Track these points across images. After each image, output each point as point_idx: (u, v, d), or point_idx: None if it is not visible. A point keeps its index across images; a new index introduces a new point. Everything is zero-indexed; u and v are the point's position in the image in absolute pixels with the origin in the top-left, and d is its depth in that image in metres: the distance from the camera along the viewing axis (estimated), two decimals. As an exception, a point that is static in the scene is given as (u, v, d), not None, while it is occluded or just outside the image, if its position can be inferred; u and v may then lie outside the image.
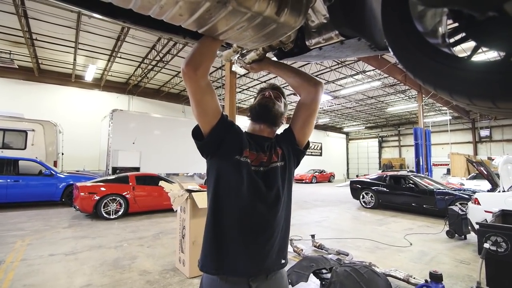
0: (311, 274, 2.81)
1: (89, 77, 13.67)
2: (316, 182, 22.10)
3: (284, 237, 1.13)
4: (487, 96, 0.62)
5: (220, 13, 0.73)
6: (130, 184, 7.28)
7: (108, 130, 11.05)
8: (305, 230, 5.84)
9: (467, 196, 6.57)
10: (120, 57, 12.36)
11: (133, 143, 11.66)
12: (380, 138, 29.04)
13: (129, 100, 16.68)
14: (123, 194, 7.00)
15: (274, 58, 1.23)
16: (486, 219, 2.96)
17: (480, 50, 0.80)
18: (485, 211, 4.06)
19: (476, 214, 4.27)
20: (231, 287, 1.03)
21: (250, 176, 1.04)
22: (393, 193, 8.50)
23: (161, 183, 4.13)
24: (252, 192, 1.03)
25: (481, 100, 0.66)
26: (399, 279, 3.09)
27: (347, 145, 31.94)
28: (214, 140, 1.06)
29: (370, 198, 9.00)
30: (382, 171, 15.44)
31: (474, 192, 6.15)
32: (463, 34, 0.78)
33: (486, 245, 2.34)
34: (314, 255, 3.20)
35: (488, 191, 5.03)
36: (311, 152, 27.55)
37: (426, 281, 2.35)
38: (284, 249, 1.13)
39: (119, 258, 4.05)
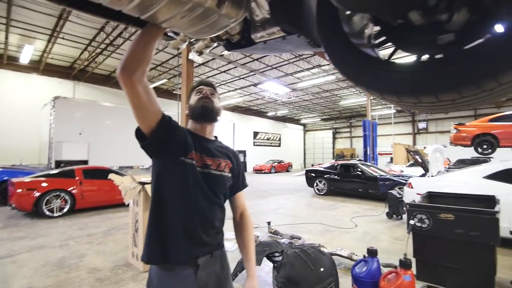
0: (265, 258, 2.96)
1: (25, 59, 12.11)
2: (275, 172, 22.76)
3: (221, 226, 1.22)
4: (409, 92, 0.73)
5: (159, 3, 0.73)
6: (77, 178, 6.74)
7: (50, 119, 9.98)
8: (262, 218, 6.03)
9: (404, 181, 7.39)
10: (63, 38, 11.14)
11: (80, 134, 10.73)
12: (334, 130, 30.81)
13: (75, 86, 15.18)
14: (69, 189, 6.46)
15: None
16: (414, 200, 3.39)
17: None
18: (417, 194, 4.62)
19: (410, 196, 4.84)
20: (180, 272, 1.08)
21: (194, 176, 1.10)
22: (343, 180, 9.18)
23: (111, 176, 3.92)
24: (195, 190, 1.10)
25: (406, 97, 0.75)
26: (344, 256, 3.42)
27: (304, 136, 33.30)
28: (157, 141, 1.07)
29: (323, 186, 9.60)
30: (335, 160, 16.49)
31: (409, 177, 6.94)
32: (384, 38, 0.90)
33: (412, 222, 2.70)
34: (268, 240, 3.36)
35: (420, 176, 5.72)
36: (270, 143, 28.20)
37: (364, 256, 2.63)
38: (221, 235, 1.22)
39: (64, 257, 3.78)
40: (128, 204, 3.56)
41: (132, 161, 11.66)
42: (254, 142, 26.29)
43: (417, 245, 2.79)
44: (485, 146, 9.19)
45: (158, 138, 1.07)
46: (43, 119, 11.25)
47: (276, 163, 23.74)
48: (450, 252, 2.61)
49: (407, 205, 2.81)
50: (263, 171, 22.24)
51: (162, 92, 17.41)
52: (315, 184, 9.84)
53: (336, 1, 0.63)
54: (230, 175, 1.23)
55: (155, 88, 16.65)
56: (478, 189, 4.01)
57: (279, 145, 29.22)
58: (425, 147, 7.07)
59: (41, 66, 13.54)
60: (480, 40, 0.60)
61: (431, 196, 3.61)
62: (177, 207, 1.09)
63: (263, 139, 27.33)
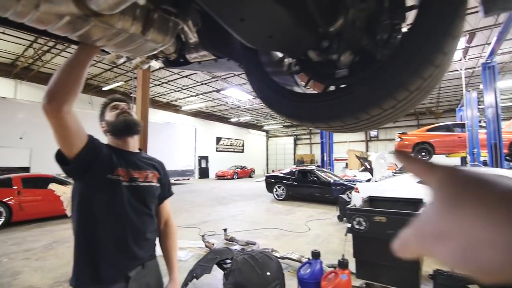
0: (215, 265, 3.00)
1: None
2: (237, 178, 22.76)
3: (153, 237, 1.26)
4: (308, 120, 0.85)
5: (84, 26, 0.77)
6: (15, 187, 6.11)
7: (-17, 121, 8.93)
8: (220, 225, 6.02)
9: (354, 186, 7.95)
10: (4, 33, 10.09)
11: (21, 138, 9.75)
12: (295, 136, 31.87)
13: (16, 85, 13.74)
14: (4, 200, 5.81)
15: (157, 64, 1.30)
16: (355, 204, 3.70)
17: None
18: (362, 198, 5.03)
19: (357, 200, 5.24)
20: None
21: (122, 192, 1.12)
22: (300, 186, 9.56)
23: (51, 186, 3.64)
24: (124, 206, 1.12)
25: (332, 122, 0.86)
26: (294, 260, 3.59)
27: (267, 142, 33.92)
28: (81, 165, 1.05)
29: (282, 191, 9.88)
30: (296, 166, 17.07)
31: (360, 182, 7.49)
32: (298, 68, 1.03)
33: (348, 225, 2.96)
34: (220, 248, 3.40)
35: (366, 181, 6.22)
36: (233, 149, 28.22)
37: (308, 259, 2.80)
38: (153, 246, 1.26)
39: (-5, 276, 3.40)
40: (70, 216, 3.34)
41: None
42: (217, 148, 26.09)
43: (356, 246, 3.05)
44: (423, 153, 10.29)
45: (83, 161, 1.04)
46: (-25, 121, 10.00)
47: (239, 169, 23.76)
48: (384, 251, 2.90)
49: (348, 210, 3.07)
50: (225, 177, 22.10)
51: (119, 95, 16.50)
52: (274, 190, 10.09)
53: (244, 40, 0.73)
54: (158, 184, 1.27)
55: (110, 90, 15.78)
56: (413, 192, 4.51)
57: (242, 151, 29.37)
58: (369, 155, 7.71)
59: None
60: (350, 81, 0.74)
61: (371, 200, 3.97)
62: (107, 226, 1.09)
63: (226, 144, 27.26)
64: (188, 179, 18.15)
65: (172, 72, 14.11)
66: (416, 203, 3.50)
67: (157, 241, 1.31)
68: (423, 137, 10.42)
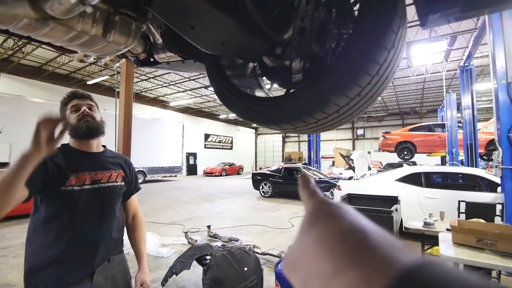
0: (195, 261, 3.03)
1: None
2: (226, 175, 22.74)
3: (119, 235, 1.29)
4: (263, 122, 0.90)
5: (44, 27, 0.79)
6: (-8, 183, 5.92)
7: (-41, 114, 8.59)
8: (205, 222, 6.04)
9: (337, 184, 8.13)
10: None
11: (0, 132, 9.43)
12: (283, 134, 32.05)
13: (-5, 77, 13.24)
14: (-20, 196, 5.63)
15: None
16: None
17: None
18: (341, 195, 5.16)
19: (339, 197, 5.38)
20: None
21: (80, 198, 1.12)
22: (286, 183, 9.68)
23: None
24: (86, 212, 1.14)
25: (282, 124, 0.91)
26: (274, 255, 3.66)
27: (256, 139, 33.99)
28: (37, 191, 1.06)
29: (268, 188, 9.98)
30: (284, 163, 17.23)
31: (343, 180, 7.66)
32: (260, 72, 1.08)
33: None
34: (200, 244, 3.43)
35: (348, 179, 6.38)
36: (222, 146, 28.15)
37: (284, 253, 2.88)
38: (120, 242, 1.29)
39: (-32, 274, 3.33)
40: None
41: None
42: (205, 145, 25.96)
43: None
44: (405, 152, 10.60)
45: (37, 189, 1.04)
46: (-50, 114, 9.61)
47: (227, 166, 23.74)
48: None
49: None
50: (213, 174, 22.04)
51: (104, 89, 16.18)
52: (260, 187, 10.18)
53: (197, 45, 0.77)
54: (123, 183, 1.29)
55: (95, 84, 15.42)
56: (391, 190, 4.67)
57: (231, 148, 29.34)
58: (351, 153, 7.90)
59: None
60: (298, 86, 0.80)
61: (350, 197, 4.09)
62: (69, 234, 1.10)
63: (214, 141, 27.16)
64: (176, 176, 18.02)
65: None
66: (392, 200, 3.65)
67: (164, 238, 1.34)
68: (405, 136, 10.73)
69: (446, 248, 2.34)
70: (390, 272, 0.14)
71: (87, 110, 1.18)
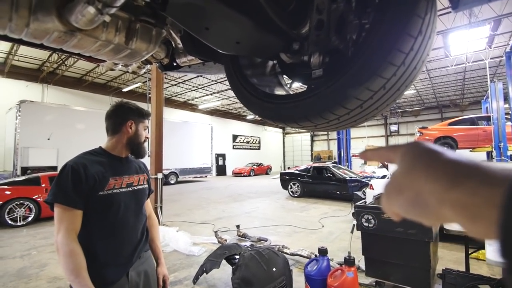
0: (224, 261, 3.08)
1: (-13, 60, 11.50)
2: (254, 175, 22.89)
3: (146, 232, 1.36)
4: (279, 119, 0.89)
5: (73, 39, 0.84)
6: (43, 185, 6.52)
7: (15, 124, 9.56)
8: (234, 222, 6.13)
9: (370, 183, 7.79)
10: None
11: (48, 139, 10.37)
12: (312, 132, 31.48)
13: (43, 89, 14.58)
14: (34, 197, 6.24)
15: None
16: (365, 201, 3.64)
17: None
18: (374, 195, 4.93)
19: (371, 197, 5.14)
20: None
21: (118, 201, 1.20)
22: (315, 183, 9.48)
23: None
24: (124, 214, 1.21)
25: (301, 122, 0.90)
26: (304, 256, 3.60)
27: (283, 139, 33.77)
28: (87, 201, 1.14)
29: (297, 188, 9.86)
30: (313, 162, 16.92)
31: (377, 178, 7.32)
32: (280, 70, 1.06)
33: (355, 222, 2.92)
34: (229, 243, 3.48)
35: (381, 178, 6.08)
36: (250, 146, 28.37)
37: (315, 255, 2.81)
38: (147, 239, 1.37)
39: (25, 267, 3.69)
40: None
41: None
42: (233, 146, 26.34)
43: (365, 243, 3.02)
44: (445, 149, 9.85)
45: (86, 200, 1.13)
46: (8, 124, 10.75)
47: (255, 166, 23.88)
48: (393, 249, 2.85)
49: (356, 207, 3.03)
50: (242, 174, 22.29)
51: (138, 96, 17.10)
52: (289, 187, 10.08)
53: (213, 46, 0.77)
54: (147, 185, 1.38)
55: (129, 91, 16.34)
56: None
57: (259, 148, 29.45)
58: None
59: (6, 69, 12.90)
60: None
61: (383, 197, 3.89)
62: (112, 235, 1.18)
63: (242, 142, 27.45)
64: (206, 176, 18.52)
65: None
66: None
67: (197, 237, 1.42)
68: (445, 131, 9.97)
69: (494, 252, 2.13)
70: (504, 179, 0.18)
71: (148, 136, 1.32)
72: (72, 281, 1.04)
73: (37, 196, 6.30)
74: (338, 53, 0.81)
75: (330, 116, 0.75)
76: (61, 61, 12.69)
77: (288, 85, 1.11)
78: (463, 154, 0.23)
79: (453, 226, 2.82)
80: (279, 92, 1.00)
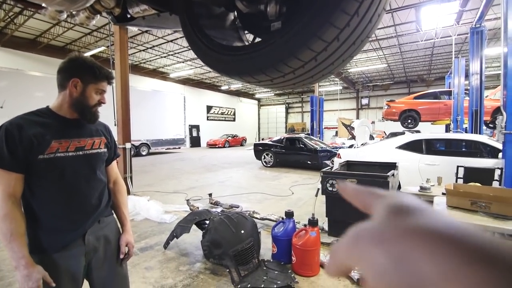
0: (195, 226, 3.15)
1: None
2: (229, 147, 22.90)
3: (106, 197, 1.32)
4: (235, 73, 0.86)
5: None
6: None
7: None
8: (207, 191, 6.18)
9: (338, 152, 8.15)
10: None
11: (1, 107, 9.46)
12: (287, 105, 31.68)
13: (-10, 51, 12.97)
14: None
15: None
16: (331, 168, 3.83)
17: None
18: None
19: (337, 165, 5.40)
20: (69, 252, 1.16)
21: (63, 165, 1.13)
22: (288, 153, 9.73)
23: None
24: (69, 178, 1.14)
25: (257, 75, 0.87)
26: (272, 220, 3.77)
27: (258, 110, 33.69)
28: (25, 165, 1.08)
29: (270, 158, 10.07)
30: (287, 134, 17.19)
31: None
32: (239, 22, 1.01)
33: (319, 186, 3.09)
34: (200, 209, 3.54)
35: (348, 147, 6.37)
36: (225, 118, 28.03)
37: (282, 218, 2.96)
38: (108, 205, 1.33)
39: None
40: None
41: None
42: (207, 117, 25.87)
43: (329, 207, 3.23)
44: (409, 121, 10.45)
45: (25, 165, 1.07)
46: None
47: (230, 138, 23.82)
48: (353, 210, 3.05)
49: (322, 173, 3.18)
50: (217, 146, 22.19)
51: (101, 61, 15.69)
52: (262, 157, 10.26)
53: None
54: (105, 150, 1.30)
55: (92, 56, 15.04)
56: (391, 157, 4.65)
57: (234, 120, 29.23)
58: (352, 121, 7.77)
59: None
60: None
61: (348, 165, 4.11)
62: (59, 200, 1.13)
63: (217, 113, 27.00)
64: (179, 148, 18.21)
65: (155, 36, 13.44)
66: (390, 167, 3.64)
67: (168, 205, 1.39)
68: (410, 105, 10.50)
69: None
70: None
71: (105, 102, 1.21)
72: (5, 246, 1.01)
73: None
74: (294, 2, 0.78)
75: (284, 68, 0.74)
76: (8, 19, 11.21)
77: (249, 41, 1.07)
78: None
79: (407, 190, 3.06)
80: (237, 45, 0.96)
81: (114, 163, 1.44)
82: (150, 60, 17.69)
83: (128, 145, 5.83)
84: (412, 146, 4.84)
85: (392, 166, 3.65)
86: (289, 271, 2.58)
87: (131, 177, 5.89)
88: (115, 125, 5.88)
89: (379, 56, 17.28)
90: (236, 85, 25.28)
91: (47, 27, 12.46)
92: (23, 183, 1.08)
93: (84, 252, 1.19)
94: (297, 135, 10.62)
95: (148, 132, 15.12)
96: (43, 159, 1.08)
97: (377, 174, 2.95)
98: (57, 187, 1.13)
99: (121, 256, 1.32)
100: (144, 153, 15.19)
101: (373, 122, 9.77)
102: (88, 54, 14.72)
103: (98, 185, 1.26)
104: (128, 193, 5.64)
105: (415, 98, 10.75)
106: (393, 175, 3.04)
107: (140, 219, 4.30)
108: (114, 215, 1.41)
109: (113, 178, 1.43)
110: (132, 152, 14.45)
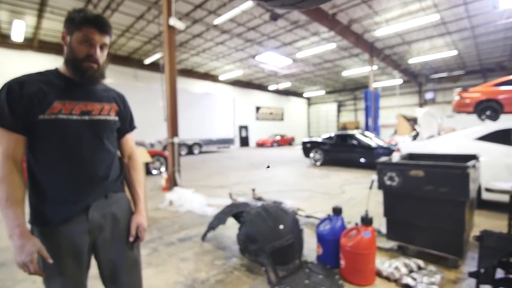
0: (233, 219, 2.95)
1: (16, 36, 11.81)
2: (277, 146, 22.72)
3: (116, 170, 1.18)
4: None
5: None
6: None
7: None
8: (252, 186, 5.97)
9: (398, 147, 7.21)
10: (52, 13, 10.80)
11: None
12: (338, 102, 30.11)
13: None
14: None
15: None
16: (389, 159, 3.24)
17: None
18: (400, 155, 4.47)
19: (397, 158, 4.69)
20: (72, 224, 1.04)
21: (62, 128, 1.01)
22: (339, 150, 9.04)
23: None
24: (71, 143, 1.02)
25: None
26: (318, 218, 3.37)
27: (308, 109, 32.74)
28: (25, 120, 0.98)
29: (319, 156, 9.49)
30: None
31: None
32: None
33: (374, 176, 2.58)
34: (239, 202, 3.32)
35: (413, 139, 5.52)
36: (273, 118, 27.88)
37: (329, 215, 2.57)
38: (119, 180, 1.20)
39: None
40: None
41: (140, 136, 11.90)
42: (256, 117, 26.03)
43: (387, 204, 2.70)
44: (488, 113, 8.80)
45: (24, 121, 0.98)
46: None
47: (278, 137, 23.63)
48: (420, 210, 2.51)
49: (378, 164, 2.68)
50: (265, 145, 22.22)
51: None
52: (311, 154, 9.74)
53: None
54: (116, 118, 1.17)
55: (152, 63, 16.31)
56: (469, 151, 3.83)
57: (282, 119, 28.89)
58: (416, 110, 6.76)
59: (34, 43, 13.30)
60: None
61: (411, 157, 3.47)
62: (59, 167, 1.01)
63: (265, 113, 27.01)
64: (229, 147, 18.69)
65: (205, 39, 13.91)
66: (468, 159, 2.92)
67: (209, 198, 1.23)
68: (489, 94, 8.81)
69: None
70: None
71: (98, 55, 1.04)
72: (1, 211, 0.91)
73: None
74: None
75: None
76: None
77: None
78: None
79: (495, 186, 2.38)
80: None
81: (130, 136, 1.30)
82: (202, 64, 18.46)
83: (176, 140, 5.99)
84: (498, 137, 3.92)
85: (471, 158, 2.94)
86: (336, 276, 2.19)
87: (179, 170, 6.03)
88: (165, 120, 6.12)
89: (447, 43, 15.12)
90: (285, 84, 24.93)
91: (113, 38, 13.88)
92: (24, 147, 0.99)
93: (87, 229, 1.06)
94: (347, 132, 9.84)
95: (200, 132, 15.87)
96: (43, 120, 0.98)
97: (451, 164, 2.34)
98: (58, 152, 1.01)
99: (131, 239, 1.15)
100: (196, 151, 15.95)
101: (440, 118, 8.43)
102: (148, 61, 16.07)
103: (106, 156, 1.12)
104: (175, 185, 5.78)
105: (496, 85, 8.99)
106: (473, 166, 2.40)
107: (183, 210, 4.30)
108: (128, 193, 1.26)
109: (128, 152, 1.29)
110: (185, 151, 15.31)
